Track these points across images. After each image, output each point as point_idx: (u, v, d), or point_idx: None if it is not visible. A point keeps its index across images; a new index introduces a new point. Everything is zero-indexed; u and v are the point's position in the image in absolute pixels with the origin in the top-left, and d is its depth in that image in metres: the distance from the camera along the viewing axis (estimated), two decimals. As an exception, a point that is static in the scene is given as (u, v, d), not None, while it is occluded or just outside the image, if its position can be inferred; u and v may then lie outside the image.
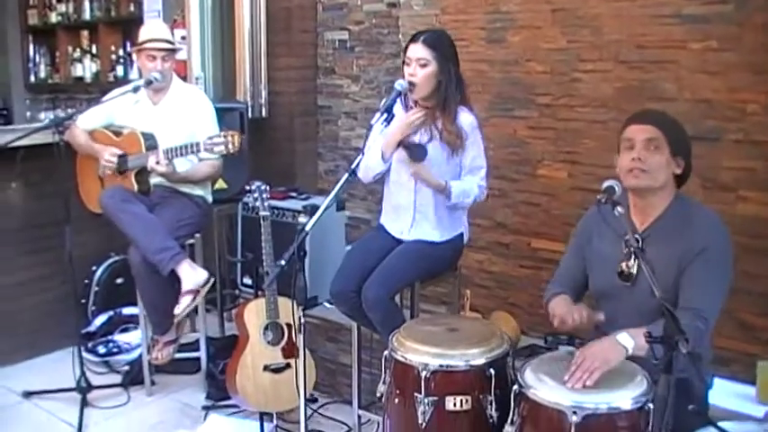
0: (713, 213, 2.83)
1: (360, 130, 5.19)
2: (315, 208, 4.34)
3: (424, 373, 2.75)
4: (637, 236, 2.74)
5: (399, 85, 3.43)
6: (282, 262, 2.96)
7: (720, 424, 2.44)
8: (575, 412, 2.40)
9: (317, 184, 5.35)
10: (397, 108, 3.50)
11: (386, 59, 5.04)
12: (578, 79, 4.23)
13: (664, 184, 2.76)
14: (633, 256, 2.77)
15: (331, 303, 4.11)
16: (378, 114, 3.31)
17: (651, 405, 2.42)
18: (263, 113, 5.18)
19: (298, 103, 5.29)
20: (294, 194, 4.69)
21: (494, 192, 4.51)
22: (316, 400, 4.27)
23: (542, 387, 2.54)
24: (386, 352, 2.94)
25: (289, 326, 3.83)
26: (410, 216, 3.60)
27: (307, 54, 5.31)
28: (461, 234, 3.69)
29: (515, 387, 2.61)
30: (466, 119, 3.54)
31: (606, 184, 2.70)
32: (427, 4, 4.72)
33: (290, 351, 3.82)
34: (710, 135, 3.87)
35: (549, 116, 4.35)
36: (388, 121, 3.37)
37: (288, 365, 3.84)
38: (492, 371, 2.76)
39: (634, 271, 2.79)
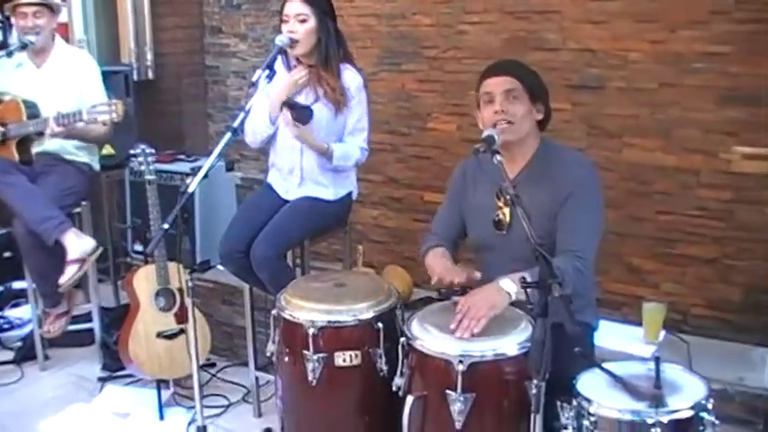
0: (579, 154, 2.90)
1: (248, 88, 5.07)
2: (203, 168, 4.26)
3: (311, 331, 2.69)
4: (508, 184, 2.72)
5: (280, 40, 3.33)
6: (166, 226, 2.83)
7: (605, 365, 2.47)
8: (461, 361, 2.39)
9: (208, 145, 5.19)
10: (280, 68, 3.40)
11: (273, 17, 4.86)
12: (464, 31, 4.19)
13: (528, 132, 2.76)
14: (506, 205, 2.77)
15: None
16: (259, 71, 3.21)
17: (533, 348, 2.43)
18: (150, 75, 4.99)
19: (185, 64, 5.12)
20: (182, 157, 4.54)
21: (385, 146, 4.47)
22: (213, 365, 4.18)
23: (428, 337, 2.52)
24: (273, 311, 2.87)
25: (180, 291, 3.71)
26: (297, 177, 3.51)
27: (192, 13, 5.13)
28: (350, 192, 3.63)
29: (403, 339, 2.58)
30: (352, 78, 3.46)
31: (486, 133, 2.66)
32: (311, -41, 4.58)
33: (183, 316, 3.71)
34: (594, 83, 3.90)
35: (438, 69, 4.30)
36: (270, 77, 3.25)
37: (182, 331, 3.73)
38: (380, 324, 2.72)
39: (507, 219, 2.78)
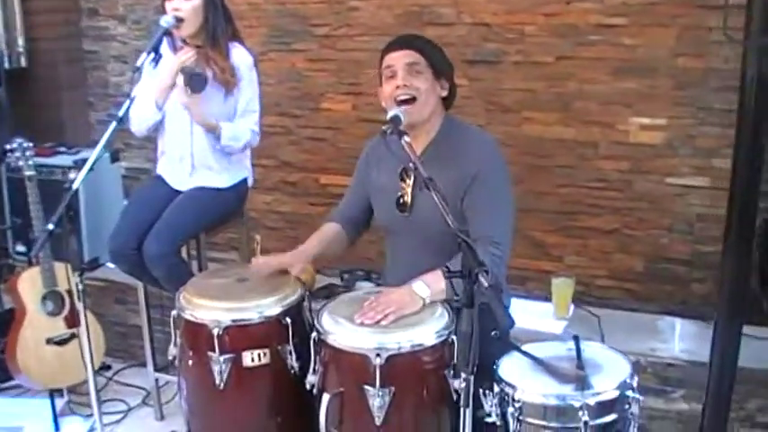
0: (479, 131, 2.79)
1: (130, 74, 4.76)
2: (85, 161, 3.97)
3: (216, 331, 2.50)
4: (412, 163, 2.57)
5: (165, 21, 3.10)
6: (51, 226, 2.60)
7: (525, 348, 2.39)
8: (378, 354, 2.25)
9: (90, 135, 4.86)
10: (166, 51, 3.17)
11: (153, -3, 4.63)
12: (356, 8, 4.04)
13: (433, 109, 2.64)
14: (408, 184, 2.66)
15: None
16: (143, 55, 2.97)
17: (454, 337, 2.32)
18: (22, 63, 4.60)
19: (61, 50, 4.74)
20: (63, 149, 4.21)
21: (277, 129, 4.29)
22: (109, 368, 3.93)
23: (341, 331, 2.37)
24: (173, 312, 2.67)
25: (69, 293, 3.46)
26: (189, 164, 3.30)
27: (67, -6, 4.77)
28: (245, 179, 3.43)
29: (314, 334, 2.43)
30: (242, 58, 3.26)
31: (392, 113, 2.52)
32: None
33: (73, 320, 3.46)
34: (491, 58, 3.83)
35: (329, 47, 4.14)
36: (156, 61, 3.03)
37: (73, 335, 3.48)
38: (288, 319, 2.56)
39: (410, 200, 2.67)
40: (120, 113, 2.88)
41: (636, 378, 2.22)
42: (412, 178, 2.66)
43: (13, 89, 4.47)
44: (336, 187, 4.20)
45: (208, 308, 2.57)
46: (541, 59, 3.72)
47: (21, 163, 3.51)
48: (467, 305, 1.92)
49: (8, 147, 3.53)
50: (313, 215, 4.28)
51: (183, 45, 3.23)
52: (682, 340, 3.20)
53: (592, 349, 2.36)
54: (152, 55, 2.97)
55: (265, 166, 4.27)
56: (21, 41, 4.57)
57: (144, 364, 3.66)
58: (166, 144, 3.34)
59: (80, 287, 2.75)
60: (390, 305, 2.38)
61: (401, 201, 2.69)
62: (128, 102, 2.93)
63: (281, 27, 4.19)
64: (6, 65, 4.52)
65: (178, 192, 3.31)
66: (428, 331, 2.34)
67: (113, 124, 2.85)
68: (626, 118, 3.65)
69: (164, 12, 3.19)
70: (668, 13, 3.48)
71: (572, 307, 3.33)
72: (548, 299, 3.38)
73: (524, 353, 2.37)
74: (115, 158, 4.14)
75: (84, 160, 3.91)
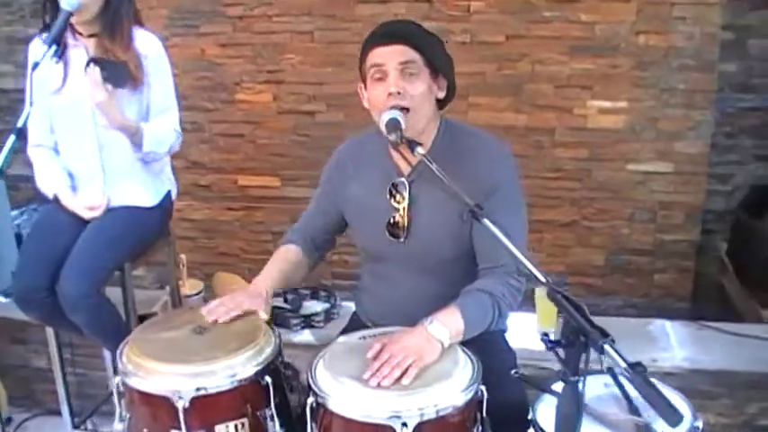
0: (496, 140, 2.16)
1: (3, 66, 3.96)
2: (-33, 180, 3.21)
3: (180, 404, 1.90)
4: (403, 180, 2.11)
5: (70, 4, 2.39)
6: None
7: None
8: (404, 424, 1.73)
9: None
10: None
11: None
12: (274, -17, 3.43)
13: (430, 116, 2.07)
14: (402, 205, 2.11)
15: (8, 296, 3.07)
16: (38, 47, 2.39)
17: (483, 387, 1.84)
18: None
19: None
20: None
21: (185, 126, 3.56)
22: (10, 420, 3.19)
23: (350, 395, 1.81)
24: (116, 379, 2.04)
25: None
26: (99, 182, 2.61)
27: None
28: (169, 192, 2.79)
29: (311, 400, 1.87)
30: (149, 44, 2.58)
31: (387, 116, 1.96)
32: None
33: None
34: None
35: (244, 30, 3.51)
36: (60, 55, 2.37)
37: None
38: (268, 378, 1.98)
39: (405, 222, 2.12)
40: (20, 124, 2.19)
41: (700, 419, 1.80)
42: (406, 195, 2.12)
43: None
44: (258, 189, 3.64)
45: (165, 374, 1.93)
46: (490, 39, 3.27)
47: None
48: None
49: None
50: (231, 221, 3.69)
51: (72, 34, 2.55)
52: (681, 347, 2.83)
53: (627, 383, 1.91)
54: (54, 48, 2.30)
55: (174, 168, 3.61)
56: None
57: (54, 412, 2.97)
58: (68, 160, 2.65)
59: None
60: (408, 355, 1.83)
61: (393, 223, 2.14)
62: (28, 108, 2.25)
63: (186, 8, 3.52)
64: None
65: (90, 216, 2.62)
66: (455, 388, 1.82)
67: (12, 138, 2.15)
68: (584, 101, 3.28)
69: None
70: (628, -13, 3.10)
71: (560, 320, 2.89)
72: (531, 310, 2.93)
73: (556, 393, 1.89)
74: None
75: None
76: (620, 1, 3.12)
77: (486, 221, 1.68)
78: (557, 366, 2.73)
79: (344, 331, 2.28)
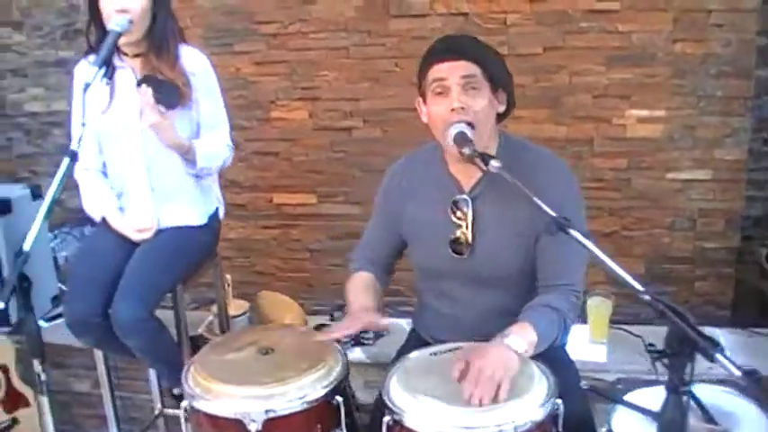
0: (557, 159, 2.15)
1: (34, 89, 3.93)
2: (5, 201, 3.18)
3: (253, 427, 1.87)
4: (465, 197, 2.10)
5: (119, 24, 2.37)
6: (0, 305, 1.89)
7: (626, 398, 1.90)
8: (489, 441, 1.70)
9: (-20, 165, 4.03)
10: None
11: (56, -3, 3.82)
12: (310, 0, 3.40)
13: (491, 130, 2.07)
14: (466, 221, 2.10)
15: (48, 321, 3.04)
16: (85, 66, 2.39)
17: (559, 401, 1.81)
18: None
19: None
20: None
21: (223, 144, 3.60)
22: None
23: (425, 411, 1.79)
24: (184, 403, 2.01)
25: (4, 369, 2.69)
26: (148, 202, 2.57)
27: (-54, -2, 3.86)
28: (217, 209, 2.75)
29: (387, 419, 1.84)
30: (196, 60, 2.57)
31: (455, 130, 1.96)
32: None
33: (13, 402, 2.69)
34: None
35: (279, 47, 3.49)
36: (110, 76, 2.35)
37: (15, 421, 2.71)
38: (338, 399, 1.96)
39: (469, 238, 2.10)
40: (74, 146, 2.17)
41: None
42: (468, 211, 2.10)
43: None
44: (293, 207, 3.61)
45: (235, 396, 1.91)
46: (527, 51, 3.25)
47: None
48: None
49: None
50: (267, 240, 3.66)
51: (121, 54, 2.53)
52: (734, 355, 2.79)
53: (697, 389, 1.88)
54: (104, 69, 2.28)
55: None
56: None
57: (100, 437, 2.94)
58: (116, 180, 2.62)
59: (41, 376, 2.06)
60: (497, 369, 1.80)
61: (457, 240, 2.11)
62: (80, 131, 2.23)
63: (220, 26, 3.49)
64: None
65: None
66: (533, 402, 1.79)
67: (66, 162, 2.12)
68: (622, 111, 3.25)
69: (95, 15, 2.47)
70: (664, -5, 3.09)
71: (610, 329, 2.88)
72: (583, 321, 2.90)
73: (635, 407, 1.87)
74: (37, 195, 3.31)
75: (2, 200, 3.18)
76: (656, 10, 3.11)
77: (574, 233, 1.64)
78: (610, 377, 2.72)
79: (405, 348, 2.26)
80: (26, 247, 2.01)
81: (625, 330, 2.93)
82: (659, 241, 3.35)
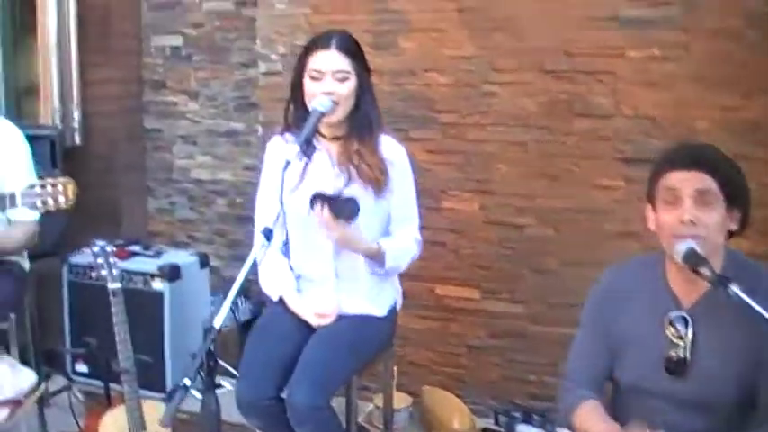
0: None
1: (201, 157, 3.98)
2: (174, 267, 3.17)
3: None
4: (684, 314, 1.93)
5: (322, 105, 2.35)
6: (187, 382, 1.81)
7: None
8: None
9: (147, 225, 4.06)
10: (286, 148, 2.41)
11: (234, 71, 3.88)
12: (492, 93, 3.32)
13: (717, 246, 1.92)
14: (684, 339, 1.92)
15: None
16: (289, 148, 2.28)
17: None
18: (77, 140, 3.79)
19: (119, 127, 3.95)
20: (139, 249, 3.37)
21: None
22: None
23: None
24: None
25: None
26: (330, 287, 2.51)
27: (130, 64, 3.96)
28: (395, 301, 2.66)
29: None
30: (394, 150, 2.54)
31: (684, 246, 1.82)
32: (293, 2, 3.55)
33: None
34: (654, 156, 3.11)
35: (455, 137, 3.40)
36: (310, 155, 2.31)
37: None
38: None
39: (687, 358, 1.92)
40: (271, 225, 2.12)
41: None
42: (687, 330, 1.92)
43: (66, 169, 3.65)
44: (456, 300, 3.47)
45: None
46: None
47: (103, 272, 2.68)
48: None
49: (89, 249, 2.70)
50: (424, 331, 3.51)
51: (319, 135, 2.48)
52: None
53: None
54: (305, 147, 2.26)
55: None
56: (76, 115, 3.76)
57: None
58: (297, 260, 2.56)
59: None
60: None
61: (672, 359, 1.93)
62: (278, 210, 2.19)
63: (397, 111, 3.45)
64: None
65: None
66: None
67: (261, 240, 2.08)
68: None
69: (296, 93, 2.45)
70: None
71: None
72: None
73: None
74: (204, 263, 3.30)
75: (172, 265, 3.18)
76: None
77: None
78: None
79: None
80: (216, 323, 1.96)
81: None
82: None
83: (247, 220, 3.91)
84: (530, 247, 3.34)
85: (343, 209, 2.32)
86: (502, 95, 3.31)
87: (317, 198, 2.32)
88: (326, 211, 2.30)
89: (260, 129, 3.69)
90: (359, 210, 2.35)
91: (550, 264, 3.31)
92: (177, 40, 3.99)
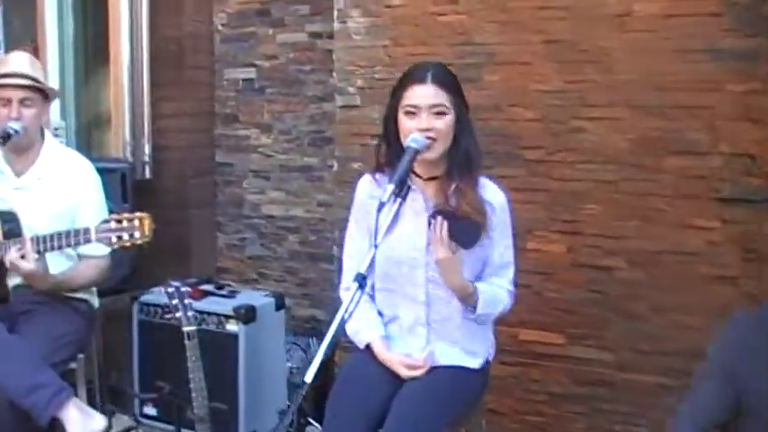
0: None
1: (273, 192, 3.87)
2: (250, 309, 3.04)
3: None
4: None
5: (415, 141, 2.21)
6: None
7: None
8: None
9: (217, 261, 3.96)
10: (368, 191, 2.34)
11: (309, 104, 3.78)
12: (580, 129, 3.16)
13: None
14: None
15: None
16: (381, 187, 2.19)
17: None
18: (147, 174, 3.73)
19: (190, 161, 3.89)
20: (211, 288, 3.26)
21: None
22: None
23: None
24: None
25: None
26: (422, 337, 2.37)
27: (201, 97, 3.91)
28: (489, 353, 2.51)
29: None
30: (494, 194, 2.40)
31: None
32: (371, 33, 3.46)
33: None
34: (754, 197, 2.94)
35: (542, 175, 3.24)
36: (404, 196, 2.18)
37: None
38: None
39: None
40: (363, 269, 2.00)
41: None
42: None
43: (136, 203, 3.58)
44: (539, 345, 3.29)
45: None
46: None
47: (178, 314, 2.57)
48: None
49: (165, 290, 2.60)
50: (505, 377, 3.32)
51: (413, 174, 2.34)
52: None
53: None
54: (399, 187, 2.14)
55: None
56: (147, 149, 3.70)
57: None
58: (388, 307, 2.42)
59: None
60: None
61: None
62: (372, 251, 2.05)
63: (483, 148, 3.30)
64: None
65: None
66: None
67: (354, 287, 1.95)
68: None
69: (389, 130, 2.32)
70: None
71: None
72: None
73: None
74: (281, 304, 3.18)
75: (247, 307, 3.06)
76: None
77: None
78: None
79: None
80: (307, 379, 1.84)
81: None
82: None
83: (320, 257, 3.82)
84: (619, 290, 3.15)
85: (462, 232, 2.23)
86: (591, 131, 3.15)
87: (440, 212, 2.24)
88: (446, 226, 2.20)
89: (335, 164, 3.58)
90: (477, 239, 2.25)
91: (640, 309, 3.11)
92: (250, 73, 3.93)
